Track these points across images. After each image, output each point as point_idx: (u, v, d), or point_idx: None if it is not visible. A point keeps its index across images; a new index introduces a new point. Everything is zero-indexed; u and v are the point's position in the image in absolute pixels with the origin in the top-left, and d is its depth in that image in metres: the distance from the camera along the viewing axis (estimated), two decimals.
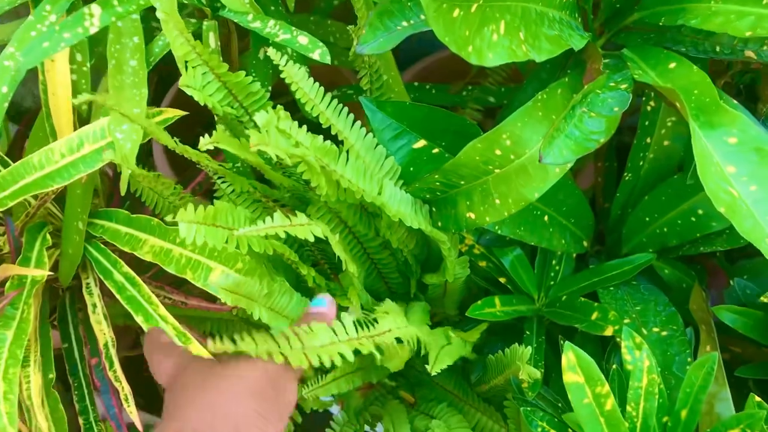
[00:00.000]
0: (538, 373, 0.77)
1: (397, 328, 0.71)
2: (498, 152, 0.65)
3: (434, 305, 0.96)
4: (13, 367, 0.73)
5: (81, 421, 0.96)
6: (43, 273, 0.78)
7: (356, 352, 0.65)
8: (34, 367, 0.76)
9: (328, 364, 0.63)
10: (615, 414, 0.65)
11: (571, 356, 0.64)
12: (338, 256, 0.77)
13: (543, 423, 0.71)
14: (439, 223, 0.74)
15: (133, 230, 0.84)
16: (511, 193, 0.66)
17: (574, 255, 0.88)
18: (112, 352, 0.83)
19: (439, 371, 1.07)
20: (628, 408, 0.67)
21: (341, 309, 0.88)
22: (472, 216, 0.69)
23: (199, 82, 0.72)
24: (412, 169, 0.76)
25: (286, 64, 0.71)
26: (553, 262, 0.87)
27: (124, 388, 0.81)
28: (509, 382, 0.87)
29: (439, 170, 0.70)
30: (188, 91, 0.71)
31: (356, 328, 0.67)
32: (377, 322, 0.70)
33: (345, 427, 1.05)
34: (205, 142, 0.66)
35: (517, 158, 0.64)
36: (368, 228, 0.84)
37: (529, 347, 0.75)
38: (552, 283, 0.87)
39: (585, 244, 0.87)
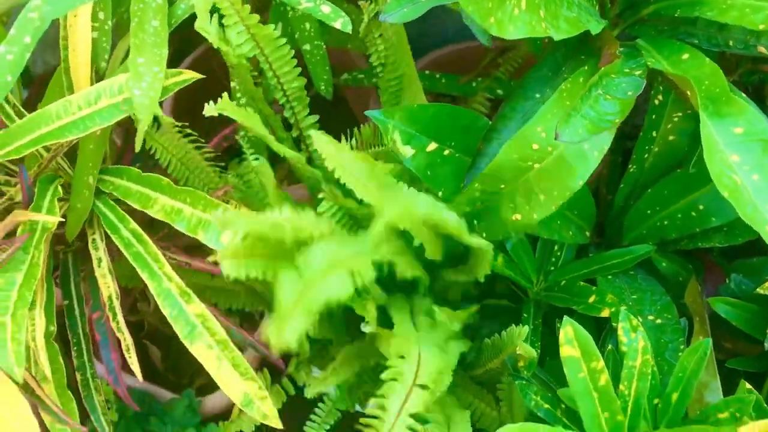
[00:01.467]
0: (534, 352, 0.78)
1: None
2: (535, 147, 0.66)
3: (436, 296, 0.98)
4: (21, 309, 0.74)
5: (78, 376, 0.97)
6: (55, 219, 0.79)
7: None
8: (40, 311, 0.77)
9: None
10: (608, 390, 0.66)
11: (569, 330, 0.66)
12: None
13: (537, 397, 0.72)
14: (484, 234, 0.75)
15: (144, 188, 0.85)
16: (554, 186, 0.67)
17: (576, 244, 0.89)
18: (116, 304, 0.84)
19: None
20: (621, 387, 0.69)
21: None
22: (519, 217, 0.71)
23: (231, 37, 0.72)
24: (429, 173, 0.77)
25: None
26: (555, 248, 0.89)
27: (126, 339, 0.82)
28: (504, 364, 0.88)
29: (479, 178, 0.71)
30: (205, 34, 0.72)
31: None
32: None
33: (337, 403, 1.07)
34: (211, 108, 0.67)
35: (555, 149, 0.66)
36: None
37: (527, 327, 0.76)
38: (552, 268, 0.89)
39: (587, 234, 0.89)
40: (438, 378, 0.70)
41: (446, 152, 0.76)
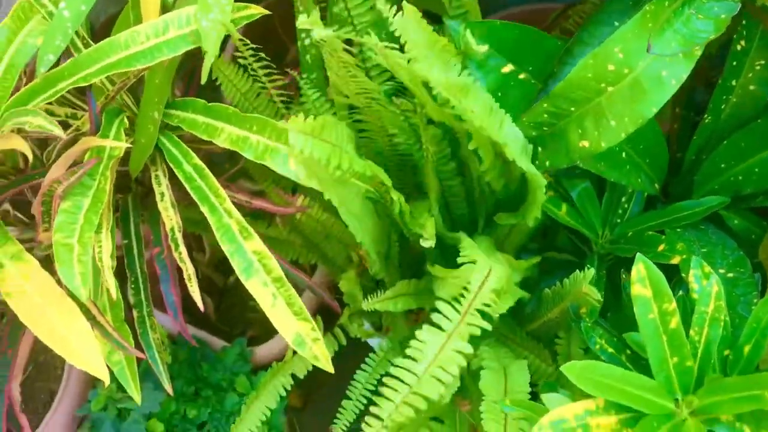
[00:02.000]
0: (598, 294, 0.75)
1: (486, 276, 0.69)
2: (611, 67, 0.64)
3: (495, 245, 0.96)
4: (88, 231, 0.75)
5: (135, 314, 0.98)
6: (122, 145, 0.79)
7: None
8: (106, 233, 0.78)
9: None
10: (679, 334, 0.64)
11: (641, 268, 0.64)
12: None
13: (601, 341, 0.70)
14: (547, 163, 0.73)
15: (211, 119, 0.85)
16: (626, 112, 0.65)
17: (644, 196, 0.86)
18: (178, 235, 0.85)
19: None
20: (692, 333, 0.66)
21: (417, 236, 0.88)
22: (586, 144, 0.68)
23: None
24: (500, 94, 0.75)
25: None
26: (622, 199, 0.86)
27: (188, 268, 0.83)
28: (563, 316, 0.86)
29: (548, 96, 0.68)
30: None
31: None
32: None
33: (388, 353, 1.06)
34: (304, 21, 0.66)
35: (631, 72, 0.63)
36: (443, 149, 0.84)
37: (593, 269, 0.74)
38: (618, 221, 0.86)
39: (656, 185, 0.86)
40: (505, 288, 0.69)
41: (521, 76, 0.74)
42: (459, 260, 0.70)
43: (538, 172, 0.68)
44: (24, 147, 0.73)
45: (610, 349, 0.70)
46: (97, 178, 0.78)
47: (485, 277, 0.67)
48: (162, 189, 0.90)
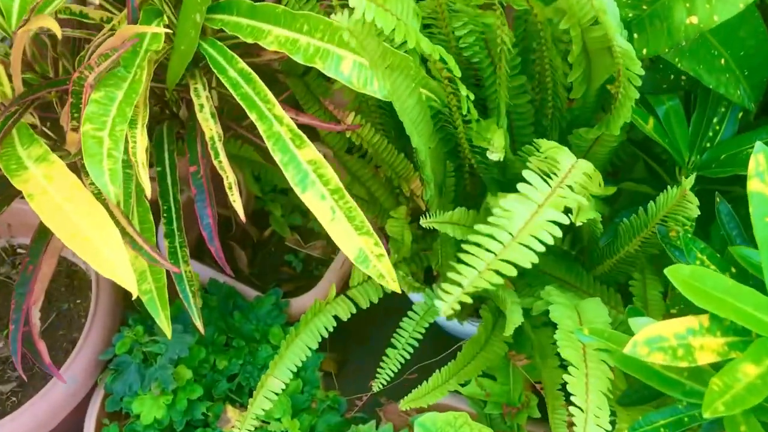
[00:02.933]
0: (697, 201, 0.66)
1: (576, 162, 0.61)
2: None
3: None
4: (121, 124, 0.67)
5: (166, 243, 0.90)
6: (161, 30, 0.72)
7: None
8: (141, 129, 0.70)
9: (551, 241, 0.54)
10: None
11: (760, 159, 0.54)
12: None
13: (703, 256, 0.61)
14: (644, 50, 0.64)
15: (256, 21, 0.77)
16: None
17: (738, 116, 0.77)
18: (219, 145, 0.77)
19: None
20: None
21: (479, 157, 0.79)
22: (694, 20, 0.60)
23: None
24: None
25: None
26: (714, 120, 0.77)
27: (229, 177, 0.75)
28: (642, 249, 0.77)
29: None
30: None
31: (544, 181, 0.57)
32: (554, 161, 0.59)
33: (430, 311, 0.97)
34: None
35: None
36: (514, 58, 0.75)
37: (691, 177, 0.64)
38: (708, 144, 0.77)
39: (752, 104, 0.76)
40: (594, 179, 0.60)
41: None
42: (543, 149, 0.61)
43: (632, 51, 0.59)
44: (54, 25, 0.66)
45: (713, 266, 0.61)
46: (132, 70, 0.71)
47: (575, 161, 0.58)
48: (201, 101, 0.82)
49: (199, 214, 0.82)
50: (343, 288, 0.98)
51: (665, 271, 0.53)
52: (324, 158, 0.76)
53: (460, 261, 0.51)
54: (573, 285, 0.90)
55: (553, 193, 0.54)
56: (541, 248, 0.53)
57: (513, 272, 0.51)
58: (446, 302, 0.50)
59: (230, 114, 1.06)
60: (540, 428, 0.95)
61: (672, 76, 0.76)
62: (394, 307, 1.05)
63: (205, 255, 1.26)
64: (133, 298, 0.70)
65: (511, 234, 0.52)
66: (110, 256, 0.68)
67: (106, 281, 1.12)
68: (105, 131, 0.68)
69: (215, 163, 0.76)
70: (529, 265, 0.53)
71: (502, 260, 0.50)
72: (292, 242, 1.27)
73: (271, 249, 1.29)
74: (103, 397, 1.05)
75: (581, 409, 0.57)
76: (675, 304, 0.77)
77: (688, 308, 0.75)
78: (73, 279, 1.21)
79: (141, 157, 0.68)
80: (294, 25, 0.75)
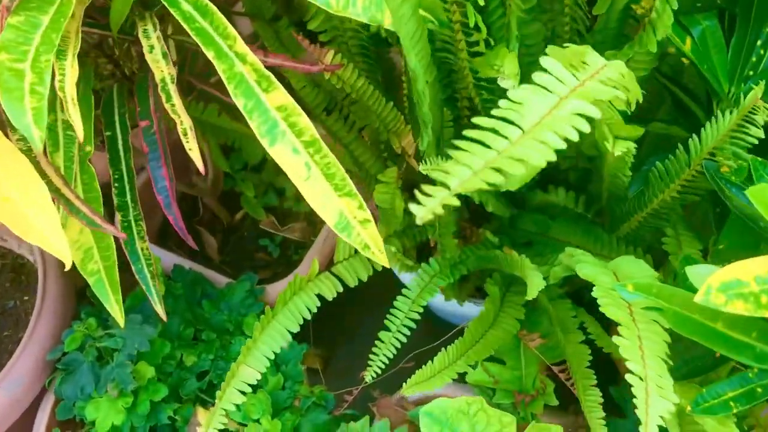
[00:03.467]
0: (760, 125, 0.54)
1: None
2: None
3: None
4: (46, 54, 0.54)
5: (119, 217, 0.77)
6: None
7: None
8: (72, 60, 0.57)
9: (575, 137, 0.41)
10: None
11: None
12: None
13: None
14: None
15: None
16: None
17: None
18: (171, 87, 0.64)
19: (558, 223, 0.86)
20: None
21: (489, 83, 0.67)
22: None
23: None
24: None
25: None
26: (758, 43, 0.65)
27: (184, 122, 0.62)
28: (687, 188, 0.65)
29: None
30: None
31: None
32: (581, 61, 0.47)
33: (436, 277, 0.85)
34: None
35: None
36: None
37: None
38: (751, 72, 0.66)
39: None
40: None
41: None
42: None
43: None
44: None
45: None
46: None
47: (606, 61, 0.46)
48: (151, 42, 0.69)
49: (153, 176, 0.69)
50: (328, 267, 0.85)
51: (748, 192, 0.41)
52: (296, 105, 0.64)
53: (448, 159, 0.38)
54: (592, 250, 0.78)
55: (581, 86, 0.41)
56: (562, 144, 0.40)
57: (519, 170, 0.38)
58: (426, 206, 0.36)
59: (193, 71, 0.93)
60: (558, 418, 0.83)
61: None
62: (383, 297, 0.93)
63: (170, 240, 1.13)
64: (66, 269, 0.56)
65: (521, 128, 0.39)
66: (37, 219, 0.55)
67: (55, 271, 0.98)
68: (26, 63, 0.54)
69: (167, 107, 0.63)
70: (543, 163, 0.40)
71: (508, 157, 0.37)
72: (267, 225, 1.14)
73: (244, 233, 1.16)
74: (54, 403, 0.91)
75: (640, 378, 0.45)
76: (717, 262, 0.66)
77: None
78: (19, 273, 1.07)
79: (70, 91, 0.55)
80: None
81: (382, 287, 1.02)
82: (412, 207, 0.36)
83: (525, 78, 0.68)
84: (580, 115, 0.42)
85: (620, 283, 0.52)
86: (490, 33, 0.68)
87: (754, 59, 0.66)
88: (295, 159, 0.63)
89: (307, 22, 0.77)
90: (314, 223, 1.13)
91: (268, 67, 0.65)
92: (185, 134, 0.61)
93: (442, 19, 0.59)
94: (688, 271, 0.49)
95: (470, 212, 0.94)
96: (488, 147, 0.39)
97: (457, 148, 0.36)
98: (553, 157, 0.40)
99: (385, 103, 0.76)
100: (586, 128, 0.42)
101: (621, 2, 0.63)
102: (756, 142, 0.55)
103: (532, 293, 0.61)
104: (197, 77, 0.88)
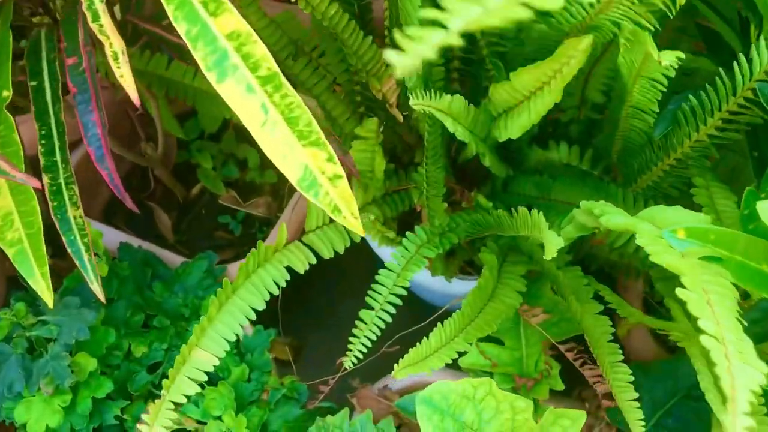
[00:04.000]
0: None
1: None
2: None
3: None
4: None
5: (46, 179, 0.65)
6: None
7: None
8: None
9: None
10: None
11: None
12: None
13: None
14: None
15: None
16: None
17: None
18: (98, 6, 0.51)
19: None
20: None
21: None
22: None
23: None
24: None
25: None
26: None
27: (114, 44, 0.49)
28: (731, 123, 0.55)
29: None
30: None
31: None
32: None
33: (423, 247, 0.73)
34: None
35: None
36: None
37: None
38: None
39: None
40: None
41: None
42: None
43: None
44: None
45: None
46: None
47: None
48: None
49: (82, 121, 0.57)
50: (301, 236, 0.73)
51: None
52: (252, 31, 0.52)
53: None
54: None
55: None
56: None
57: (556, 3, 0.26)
58: (411, 52, 0.24)
59: (141, 12, 0.81)
60: (565, 403, 0.72)
61: None
62: (359, 279, 0.82)
63: (117, 218, 1.00)
64: None
65: None
66: None
67: None
68: None
69: (94, 27, 0.51)
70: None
71: None
72: (227, 200, 1.02)
73: (202, 210, 1.03)
74: None
75: (716, 338, 0.34)
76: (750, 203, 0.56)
77: None
78: None
79: None
80: None
81: (358, 267, 0.91)
82: (391, 55, 0.24)
83: None
84: None
85: (669, 229, 0.42)
86: None
87: None
88: (250, 99, 0.51)
89: None
90: (281, 196, 1.02)
91: None
92: (115, 58, 0.48)
93: None
94: (760, 208, 0.38)
95: (457, 176, 0.83)
96: None
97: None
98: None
99: (363, 37, 0.64)
100: None
101: None
102: None
103: (550, 252, 0.50)
104: (146, 20, 0.76)
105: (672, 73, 0.49)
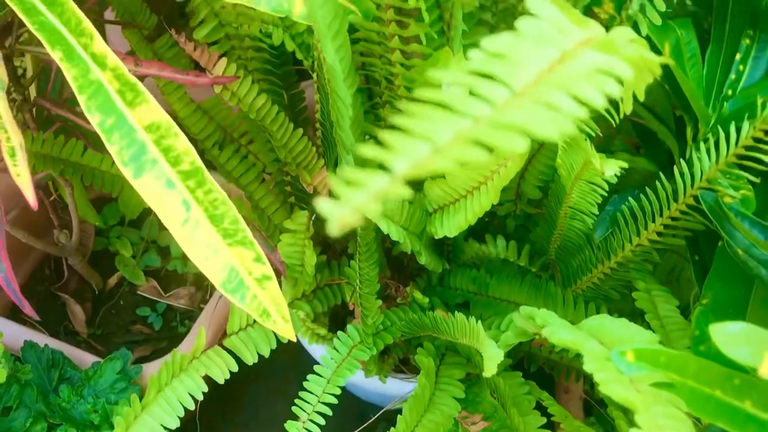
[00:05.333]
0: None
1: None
2: None
3: None
4: None
5: None
6: None
7: None
8: None
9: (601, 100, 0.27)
10: None
11: None
12: None
13: None
14: None
15: None
16: None
17: None
18: None
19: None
20: None
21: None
22: None
23: None
24: None
25: None
26: (737, 57, 0.55)
27: (11, 138, 0.44)
28: (671, 230, 0.53)
29: None
30: None
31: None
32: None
33: (356, 349, 0.69)
34: None
35: None
36: None
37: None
38: (730, 92, 0.55)
39: None
40: None
41: None
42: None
43: None
44: None
45: None
46: None
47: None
48: None
49: None
50: (221, 340, 0.68)
51: None
52: (173, 123, 0.48)
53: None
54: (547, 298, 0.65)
55: (591, 38, 0.28)
56: (579, 110, 0.26)
57: (521, 146, 0.23)
58: (348, 203, 0.21)
59: (59, 96, 0.76)
60: None
61: None
62: (290, 371, 0.76)
63: (25, 314, 0.92)
64: None
65: (509, 87, 0.25)
66: None
67: None
68: None
69: None
70: (554, 134, 0.27)
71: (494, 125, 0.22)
72: (147, 291, 0.96)
73: (119, 301, 0.96)
74: None
75: None
76: (709, 318, 0.54)
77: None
78: None
79: None
80: None
81: (287, 363, 0.85)
82: (325, 206, 0.21)
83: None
84: (605, 72, 0.28)
85: (617, 351, 0.38)
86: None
87: (733, 76, 0.55)
88: (170, 195, 0.47)
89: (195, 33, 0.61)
90: (204, 287, 0.96)
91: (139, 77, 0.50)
92: (12, 155, 0.43)
93: (368, 9, 0.45)
94: (713, 331, 0.36)
95: (392, 269, 0.80)
96: (458, 111, 0.24)
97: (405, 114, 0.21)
98: (572, 128, 0.26)
99: (293, 130, 0.61)
100: (616, 91, 0.28)
101: (581, 3, 0.51)
102: None
103: (489, 369, 0.46)
104: (60, 104, 0.71)
105: (614, 180, 0.47)
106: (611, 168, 0.41)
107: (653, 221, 0.51)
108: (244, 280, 0.48)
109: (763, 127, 0.41)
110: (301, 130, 0.61)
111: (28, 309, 0.53)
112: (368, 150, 0.20)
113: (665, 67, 0.54)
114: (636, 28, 0.48)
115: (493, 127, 0.21)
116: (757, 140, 0.42)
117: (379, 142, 0.22)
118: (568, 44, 0.25)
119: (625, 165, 0.43)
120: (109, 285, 0.97)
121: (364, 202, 0.20)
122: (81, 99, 0.47)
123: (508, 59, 0.23)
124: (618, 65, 0.24)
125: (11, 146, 0.43)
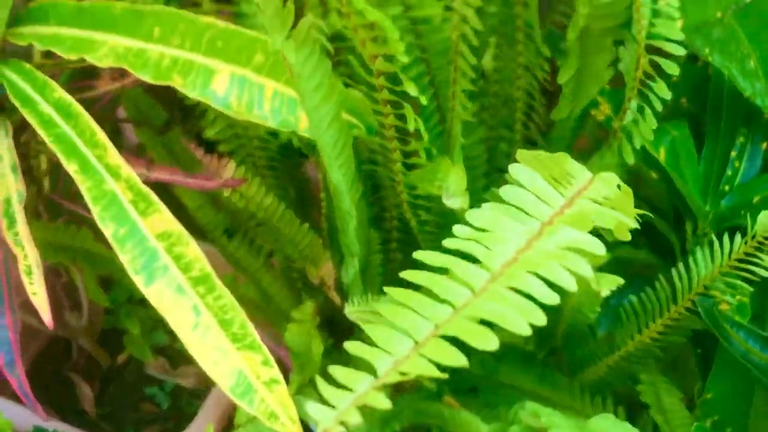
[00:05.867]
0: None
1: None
2: None
3: None
4: None
5: None
6: None
7: None
8: None
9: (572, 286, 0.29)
10: None
11: None
12: None
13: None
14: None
15: (84, 30, 0.51)
16: None
17: (764, 147, 0.57)
18: (17, 208, 0.48)
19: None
20: None
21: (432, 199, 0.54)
22: None
23: None
24: None
25: None
26: (732, 154, 0.57)
27: (28, 257, 0.46)
28: (672, 330, 0.54)
29: None
30: None
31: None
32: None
33: None
34: None
35: None
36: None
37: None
38: (727, 187, 0.57)
39: None
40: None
41: None
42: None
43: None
44: None
45: None
46: None
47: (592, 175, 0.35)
48: (2, 150, 0.54)
49: None
50: (228, 427, 0.68)
51: None
52: (184, 231, 0.50)
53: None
54: (550, 399, 0.65)
55: (569, 206, 0.30)
56: (551, 297, 0.28)
57: (492, 344, 0.25)
58: (328, 415, 0.22)
59: (66, 190, 0.78)
60: None
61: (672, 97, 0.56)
62: None
63: (32, 393, 0.93)
64: None
65: (488, 269, 0.27)
66: None
67: None
68: None
69: (8, 235, 0.47)
70: (527, 331, 0.29)
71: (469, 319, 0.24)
72: (155, 369, 0.96)
73: (127, 380, 0.97)
74: None
75: None
76: (707, 415, 0.54)
77: (726, 419, 0.53)
78: None
79: None
80: (139, 30, 0.50)
81: None
82: (312, 410, 0.22)
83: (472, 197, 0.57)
84: (576, 250, 0.30)
85: None
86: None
87: (729, 173, 0.57)
88: (180, 301, 0.48)
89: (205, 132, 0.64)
90: None
91: (153, 183, 0.52)
92: (29, 273, 0.45)
93: (371, 124, 0.47)
94: None
95: None
96: (438, 299, 0.26)
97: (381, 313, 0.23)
98: (544, 321, 0.28)
99: (299, 225, 0.62)
100: (588, 272, 0.30)
101: (579, 106, 0.53)
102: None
103: None
104: (70, 196, 0.73)
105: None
106: (608, 286, 0.42)
107: (654, 321, 0.52)
108: (252, 384, 0.49)
109: (754, 244, 0.42)
110: (306, 225, 0.63)
111: (40, 412, 0.54)
112: (355, 348, 0.21)
113: (662, 167, 0.56)
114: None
115: (468, 319, 0.23)
116: (749, 254, 0.43)
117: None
118: (547, 213, 0.27)
119: (621, 281, 0.44)
120: (118, 363, 0.98)
121: (347, 408, 0.21)
122: (95, 210, 0.49)
123: (491, 236, 0.25)
124: (588, 241, 0.26)
125: (28, 264, 0.45)
